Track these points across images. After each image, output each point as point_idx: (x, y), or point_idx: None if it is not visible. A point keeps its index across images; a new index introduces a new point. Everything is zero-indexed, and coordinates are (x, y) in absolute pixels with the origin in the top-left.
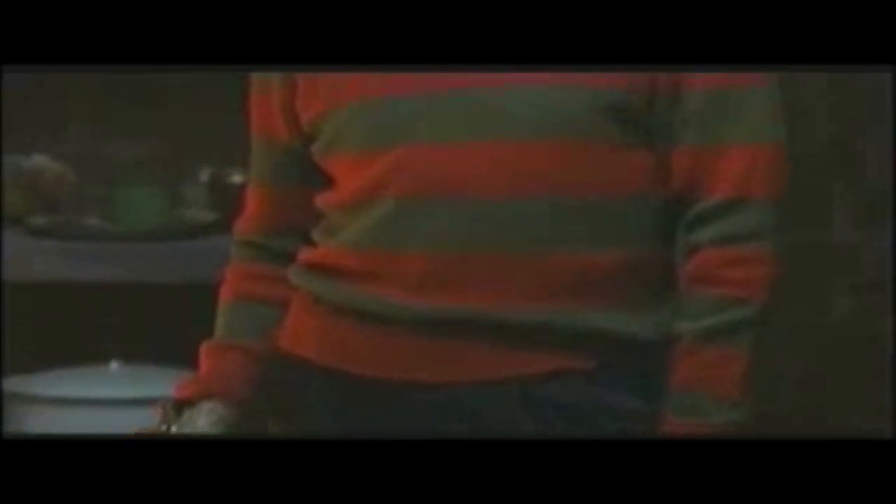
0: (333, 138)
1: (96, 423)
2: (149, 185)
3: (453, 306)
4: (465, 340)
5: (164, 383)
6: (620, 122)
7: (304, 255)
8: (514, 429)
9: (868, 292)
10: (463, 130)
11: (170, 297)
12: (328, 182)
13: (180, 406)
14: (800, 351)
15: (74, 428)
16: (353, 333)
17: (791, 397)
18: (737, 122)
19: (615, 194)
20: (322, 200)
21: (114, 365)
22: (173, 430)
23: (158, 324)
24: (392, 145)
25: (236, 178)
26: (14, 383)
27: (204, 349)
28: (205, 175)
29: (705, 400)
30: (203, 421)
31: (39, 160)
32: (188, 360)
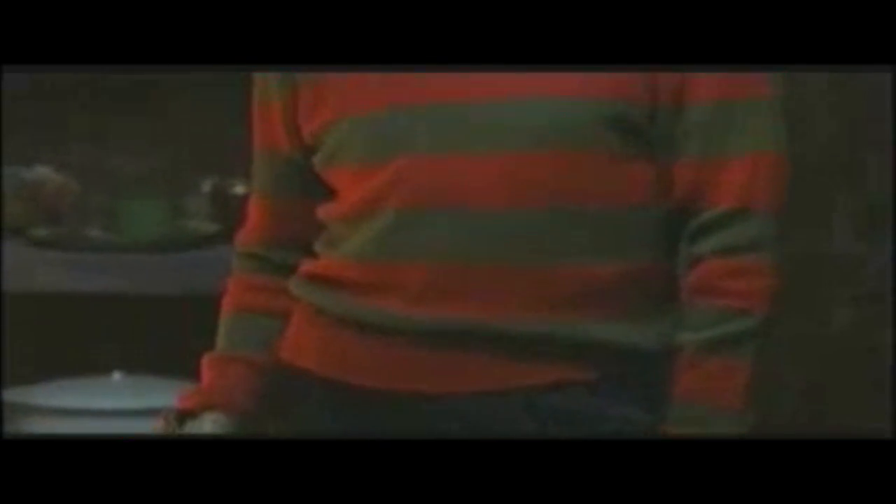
0: (335, 150)
1: (98, 433)
2: (151, 196)
3: (454, 317)
4: (465, 351)
5: (166, 394)
6: (621, 134)
7: (306, 266)
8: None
9: (868, 303)
10: (463, 142)
11: (172, 308)
12: (329, 194)
13: (182, 417)
14: (800, 362)
15: None
16: (354, 345)
17: (792, 408)
18: (740, 133)
19: (616, 205)
20: (323, 212)
21: (116, 376)
22: None
23: (160, 335)
24: (392, 157)
25: (238, 190)
26: (15, 394)
27: (206, 360)
28: (207, 186)
29: (707, 411)
30: (205, 431)
31: (42, 171)
32: (190, 371)
